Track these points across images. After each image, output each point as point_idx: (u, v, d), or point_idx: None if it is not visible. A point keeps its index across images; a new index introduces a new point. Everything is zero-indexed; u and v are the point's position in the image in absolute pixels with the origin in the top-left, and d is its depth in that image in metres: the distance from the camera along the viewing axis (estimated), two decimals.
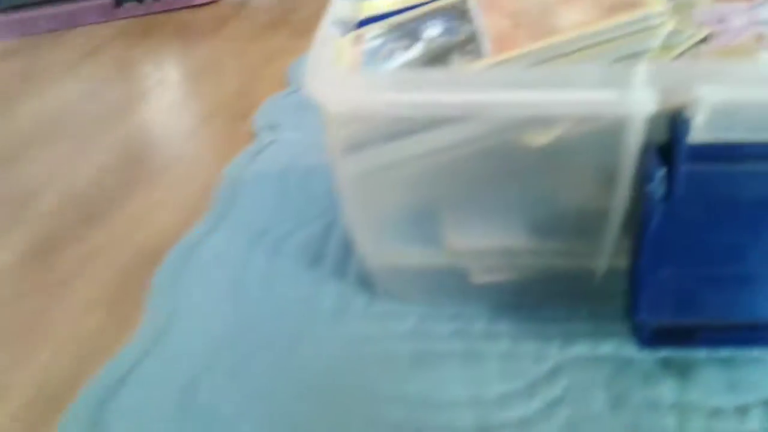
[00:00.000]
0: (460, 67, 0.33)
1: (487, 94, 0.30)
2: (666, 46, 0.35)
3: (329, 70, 0.32)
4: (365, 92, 0.31)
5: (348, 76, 0.31)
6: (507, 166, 0.34)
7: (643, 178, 0.32)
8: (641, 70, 0.30)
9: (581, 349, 0.37)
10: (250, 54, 0.79)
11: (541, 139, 0.32)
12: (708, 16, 0.36)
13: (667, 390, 0.34)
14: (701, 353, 0.35)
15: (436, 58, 0.35)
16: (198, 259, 0.45)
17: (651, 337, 0.33)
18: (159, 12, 0.94)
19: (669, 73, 0.30)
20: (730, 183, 0.31)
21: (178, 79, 0.76)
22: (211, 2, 0.97)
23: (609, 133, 0.32)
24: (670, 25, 0.31)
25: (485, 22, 0.37)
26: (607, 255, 0.36)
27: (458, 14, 0.39)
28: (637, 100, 0.30)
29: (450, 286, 0.40)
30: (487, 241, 0.37)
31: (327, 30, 0.41)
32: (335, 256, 0.44)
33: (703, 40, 0.35)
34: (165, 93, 0.72)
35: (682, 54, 0.34)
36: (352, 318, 0.40)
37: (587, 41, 0.32)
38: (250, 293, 0.42)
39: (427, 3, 0.45)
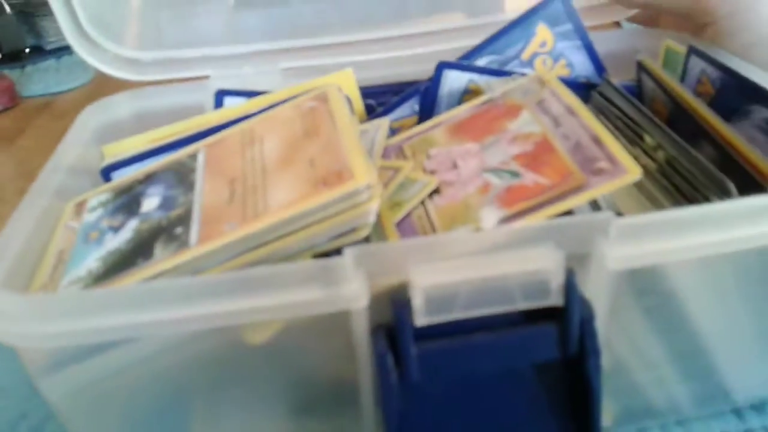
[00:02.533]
0: (147, 271, 0.29)
1: (168, 313, 0.26)
2: (396, 203, 0.33)
3: None
4: (25, 325, 0.26)
5: (3, 303, 0.26)
6: (233, 364, 0.30)
7: (375, 362, 0.29)
8: (346, 262, 0.27)
9: None
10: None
11: (261, 335, 0.29)
12: (442, 159, 0.34)
13: None
14: None
15: (140, 247, 0.31)
16: None
17: None
18: None
19: (377, 259, 0.27)
20: (462, 358, 0.28)
21: None
22: (6, 109, 0.89)
23: (333, 320, 0.28)
24: (377, 201, 0.28)
25: (205, 189, 0.33)
26: (373, 428, 0.33)
27: (183, 176, 0.35)
28: (346, 296, 0.27)
29: None
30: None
31: (32, 197, 0.36)
32: None
33: (435, 191, 0.33)
34: None
35: (410, 211, 0.32)
36: None
37: (295, 224, 0.29)
38: None
39: (176, 144, 0.41)
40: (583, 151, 0.31)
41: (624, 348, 0.33)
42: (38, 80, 0.97)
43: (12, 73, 0.97)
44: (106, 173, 0.42)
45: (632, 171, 0.29)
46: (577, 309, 0.28)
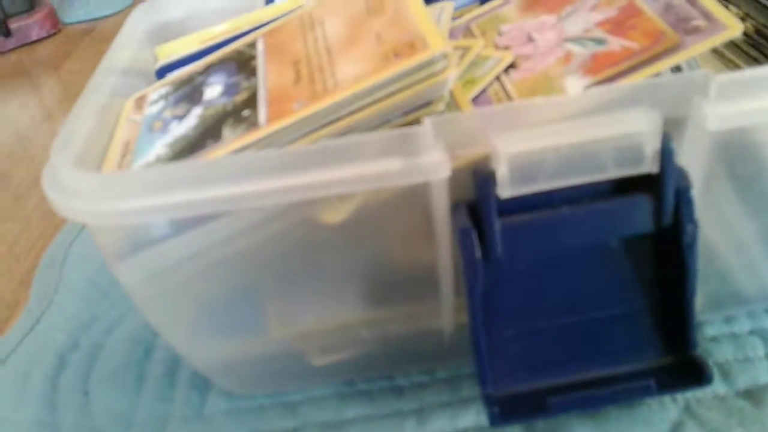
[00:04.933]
0: (221, 146, 0.28)
1: (249, 185, 0.25)
2: (469, 80, 0.31)
3: (63, 173, 0.27)
4: (105, 203, 0.25)
5: (82, 182, 0.26)
6: (310, 247, 0.29)
7: (456, 240, 0.27)
8: (425, 130, 0.25)
9: (439, 424, 0.33)
10: None
11: (338, 214, 0.28)
12: (516, 34, 0.32)
13: None
14: None
15: (208, 131, 0.30)
16: (1, 385, 0.39)
17: (500, 412, 0.29)
18: None
19: (458, 128, 0.25)
20: (548, 232, 0.27)
21: (11, 134, 0.68)
22: (49, 36, 0.89)
23: (412, 196, 0.27)
24: (454, 69, 0.26)
25: (268, 74, 0.32)
26: (451, 314, 0.32)
27: (243, 64, 0.34)
28: (425, 166, 0.25)
29: (289, 371, 0.35)
30: (315, 322, 0.33)
31: (89, 94, 0.35)
32: (166, 346, 0.39)
33: (511, 66, 0.31)
34: None
35: (486, 87, 0.30)
36: (178, 428, 0.34)
37: (367, 98, 0.27)
38: (61, 423, 0.36)
39: (230, 41, 0.39)
40: (675, 10, 0.28)
41: (713, 228, 0.31)
42: (79, 6, 0.96)
43: (53, 1, 0.96)
44: (162, 74, 0.41)
45: (732, 26, 0.26)
46: (673, 176, 0.26)
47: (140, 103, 0.35)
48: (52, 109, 0.72)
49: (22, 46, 0.87)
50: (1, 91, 0.77)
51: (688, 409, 0.32)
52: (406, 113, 0.28)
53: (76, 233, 0.50)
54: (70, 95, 0.74)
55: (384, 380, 0.35)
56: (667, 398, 0.32)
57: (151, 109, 0.34)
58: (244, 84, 0.32)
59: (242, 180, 0.25)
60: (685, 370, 0.29)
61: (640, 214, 0.27)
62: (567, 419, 0.32)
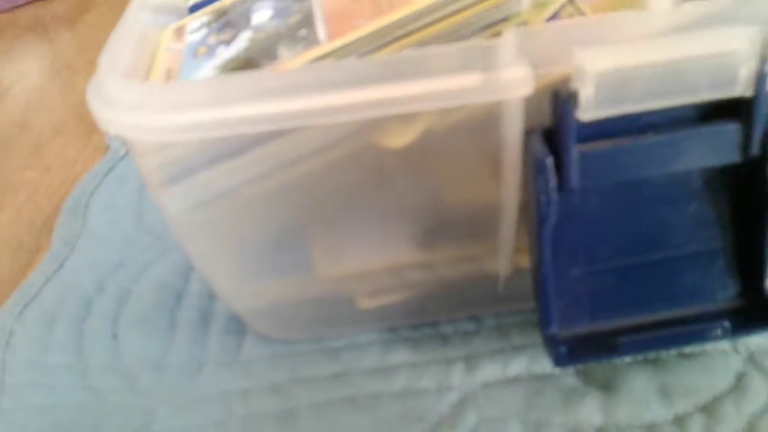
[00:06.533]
0: (280, 64, 0.26)
1: (315, 99, 0.23)
2: (539, 3, 0.29)
3: (111, 86, 0.25)
4: (156, 115, 0.24)
5: (132, 94, 0.24)
6: (368, 176, 0.27)
7: (530, 169, 0.26)
8: (507, 43, 0.23)
9: (489, 371, 0.31)
10: None
11: (402, 138, 0.26)
12: None
13: (592, 409, 0.29)
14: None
15: (262, 52, 0.28)
16: (27, 328, 0.37)
17: (567, 352, 0.28)
18: (8, 9, 0.82)
19: (541, 42, 0.24)
20: (630, 162, 0.25)
21: (28, 85, 0.66)
22: None
23: (483, 121, 0.25)
24: None
25: None
26: (509, 256, 0.31)
27: None
28: (506, 81, 0.23)
29: (334, 316, 0.33)
30: (365, 262, 0.31)
31: (127, 23, 0.33)
32: (198, 293, 0.37)
33: None
34: (12, 102, 0.62)
35: (557, 12, 0.28)
36: (213, 372, 0.33)
37: (437, 13, 0.25)
38: (89, 365, 0.34)
39: None
40: None
41: None
42: None
43: None
44: (195, 10, 0.39)
45: None
46: (766, 102, 0.24)
47: (179, 32, 0.34)
48: (69, 61, 0.69)
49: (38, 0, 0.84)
50: (18, 44, 0.75)
51: (751, 359, 0.30)
52: (480, 30, 0.26)
53: (98, 182, 0.48)
54: (88, 48, 0.72)
55: (429, 328, 0.34)
56: (729, 348, 0.31)
57: (193, 37, 0.32)
58: (295, 7, 0.30)
59: (307, 93, 0.23)
60: (760, 312, 0.27)
61: (726, 143, 0.25)
62: (627, 367, 0.30)
